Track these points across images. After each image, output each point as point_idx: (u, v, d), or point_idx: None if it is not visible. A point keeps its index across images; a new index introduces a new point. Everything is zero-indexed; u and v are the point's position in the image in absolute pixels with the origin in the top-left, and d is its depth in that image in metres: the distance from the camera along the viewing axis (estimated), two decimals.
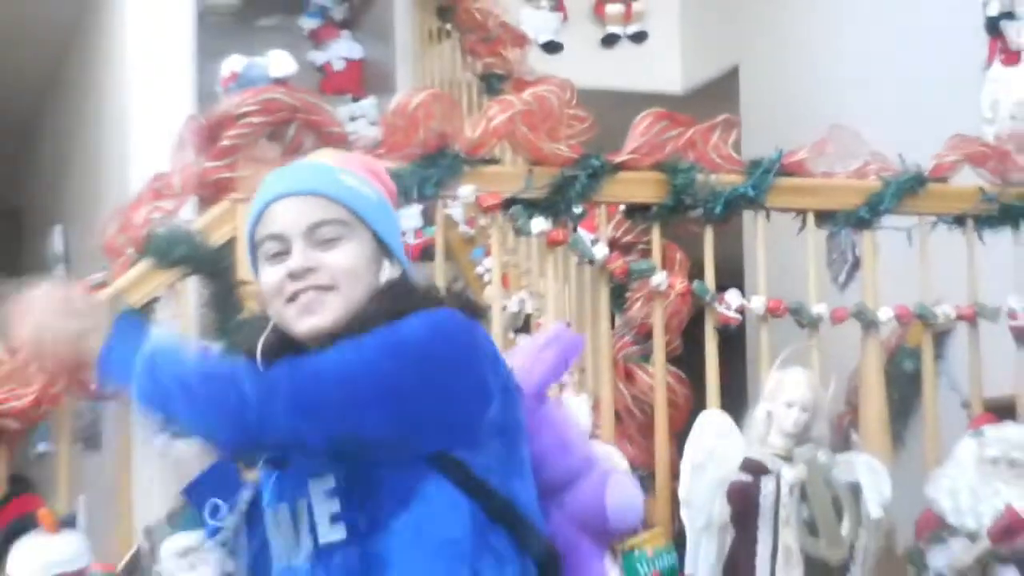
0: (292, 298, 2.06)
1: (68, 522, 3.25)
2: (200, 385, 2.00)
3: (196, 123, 3.50)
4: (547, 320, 3.93)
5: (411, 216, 5.46)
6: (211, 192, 3.53)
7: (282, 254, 2.06)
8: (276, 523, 2.16)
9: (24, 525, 3.23)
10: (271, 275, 2.07)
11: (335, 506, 2.08)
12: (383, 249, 2.13)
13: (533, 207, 3.56)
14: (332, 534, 2.07)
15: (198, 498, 2.34)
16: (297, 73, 3.83)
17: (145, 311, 3.42)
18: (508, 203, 3.57)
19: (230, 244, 3.43)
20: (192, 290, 3.51)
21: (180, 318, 3.49)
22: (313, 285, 2.05)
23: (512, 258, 5.07)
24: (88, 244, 5.80)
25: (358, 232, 2.11)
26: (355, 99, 6.25)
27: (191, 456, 2.30)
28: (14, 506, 3.32)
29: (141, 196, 3.68)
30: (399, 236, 2.19)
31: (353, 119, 5.80)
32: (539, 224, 3.55)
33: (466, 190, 3.51)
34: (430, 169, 3.46)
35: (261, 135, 3.44)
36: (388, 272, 2.12)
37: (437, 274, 3.76)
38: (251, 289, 2.32)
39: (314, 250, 2.06)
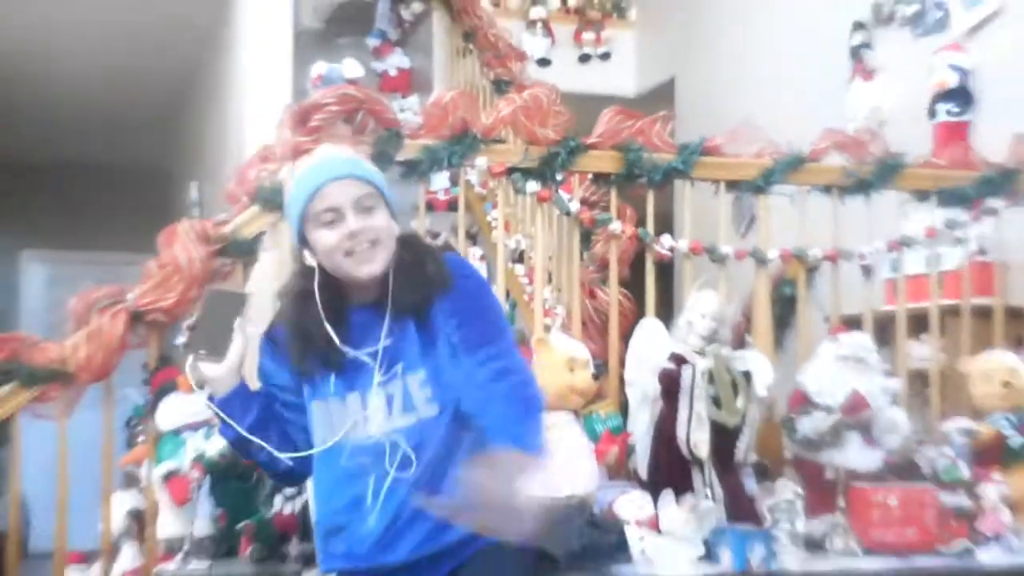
0: (349, 252, 2.11)
1: (199, 386, 3.26)
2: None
3: (292, 109, 3.48)
4: (536, 254, 3.91)
5: (442, 179, 5.45)
6: (301, 158, 3.51)
7: (336, 221, 2.11)
8: (339, 410, 2.16)
9: (168, 387, 3.26)
10: (330, 236, 2.12)
11: (429, 391, 2.14)
12: (392, 214, 2.20)
13: (528, 174, 3.55)
14: (430, 410, 2.13)
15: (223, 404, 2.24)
16: (364, 76, 3.82)
17: (253, 243, 3.42)
18: (510, 171, 3.55)
19: None
20: (286, 228, 3.51)
21: (278, 247, 3.49)
22: (366, 240, 2.12)
23: (512, 210, 5.07)
24: (215, 195, 5.80)
25: (382, 202, 2.17)
26: (404, 97, 6.22)
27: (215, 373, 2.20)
28: (162, 375, 3.33)
29: (252, 160, 3.67)
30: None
31: (402, 111, 5.77)
32: (532, 186, 3.56)
33: (481, 161, 3.50)
34: (456, 145, 3.44)
35: (338, 119, 3.42)
36: (396, 228, 2.20)
37: (460, 221, 3.77)
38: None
39: (361, 216, 2.12)
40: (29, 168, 8.08)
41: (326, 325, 2.16)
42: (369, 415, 2.15)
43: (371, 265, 2.14)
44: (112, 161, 8.65)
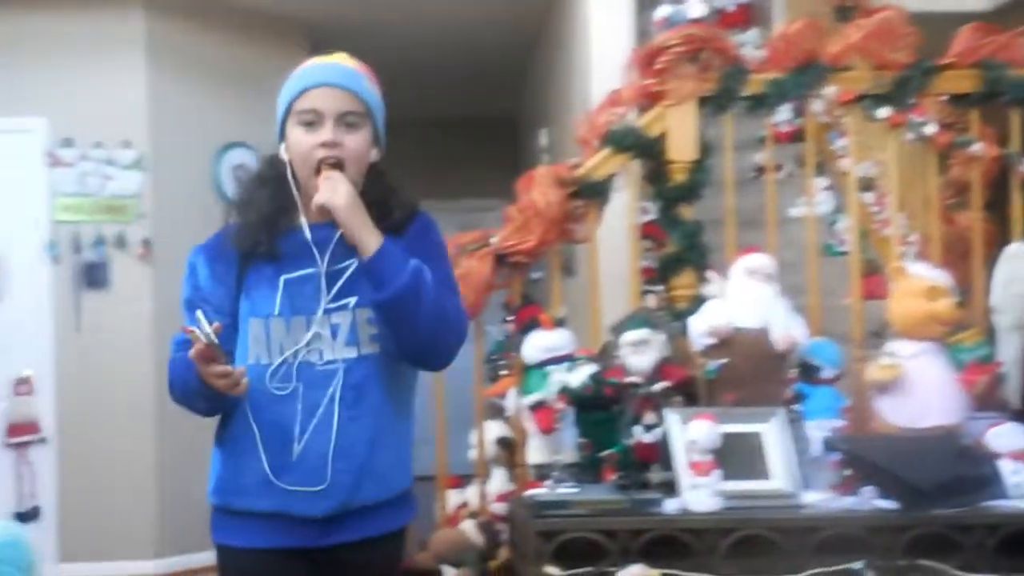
0: (317, 170, 1.98)
1: (559, 323, 3.34)
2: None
3: (637, 53, 3.46)
4: (889, 181, 3.70)
5: (784, 110, 5.27)
6: (648, 101, 3.50)
7: (315, 124, 1.99)
8: (280, 330, 2.00)
9: (531, 324, 3.35)
10: (305, 139, 2.00)
11: (374, 329, 1.99)
12: (376, 139, 2.06)
13: (879, 99, 3.38)
14: (372, 347, 1.99)
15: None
16: (706, 15, 3.74)
17: (605, 184, 3.44)
18: (860, 98, 3.39)
19: (662, 137, 3.40)
20: (635, 168, 3.51)
21: (629, 187, 3.49)
22: (334, 157, 1.98)
23: (860, 138, 4.82)
24: (562, 141, 5.89)
25: (367, 124, 2.04)
26: (742, 31, 6.04)
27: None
28: (525, 312, 3.43)
29: (602, 105, 3.68)
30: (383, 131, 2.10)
31: (741, 46, 5.62)
32: (883, 112, 3.39)
33: (829, 90, 3.36)
34: (803, 76, 3.32)
35: (683, 60, 3.37)
36: (374, 155, 2.06)
37: (808, 152, 3.63)
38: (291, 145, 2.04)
39: (340, 130, 1.99)
40: (390, 123, 8.53)
41: (298, 200, 2.04)
42: (313, 341, 2.00)
43: (327, 196, 1.99)
44: (465, 114, 9.00)
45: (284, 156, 2.05)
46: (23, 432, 5.61)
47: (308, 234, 2.03)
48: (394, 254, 1.97)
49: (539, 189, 3.38)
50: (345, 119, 2.01)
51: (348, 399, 1.97)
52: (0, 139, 5.69)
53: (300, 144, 2.01)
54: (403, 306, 1.95)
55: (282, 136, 2.06)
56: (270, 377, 1.99)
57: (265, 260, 2.04)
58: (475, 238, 3.47)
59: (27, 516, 5.53)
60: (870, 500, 2.76)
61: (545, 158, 6.31)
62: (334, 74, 2.04)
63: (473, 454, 3.60)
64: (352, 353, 1.99)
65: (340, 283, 2.01)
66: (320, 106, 2.00)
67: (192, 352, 1.89)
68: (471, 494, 3.62)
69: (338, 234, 2.01)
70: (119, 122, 5.68)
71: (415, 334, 1.97)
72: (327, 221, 2.01)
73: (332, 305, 2.00)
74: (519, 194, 3.45)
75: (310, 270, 2.02)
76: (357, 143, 2.02)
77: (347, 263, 2.01)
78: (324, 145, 1.98)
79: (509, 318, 3.47)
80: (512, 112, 8.80)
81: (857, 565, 2.58)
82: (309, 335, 1.99)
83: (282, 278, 2.03)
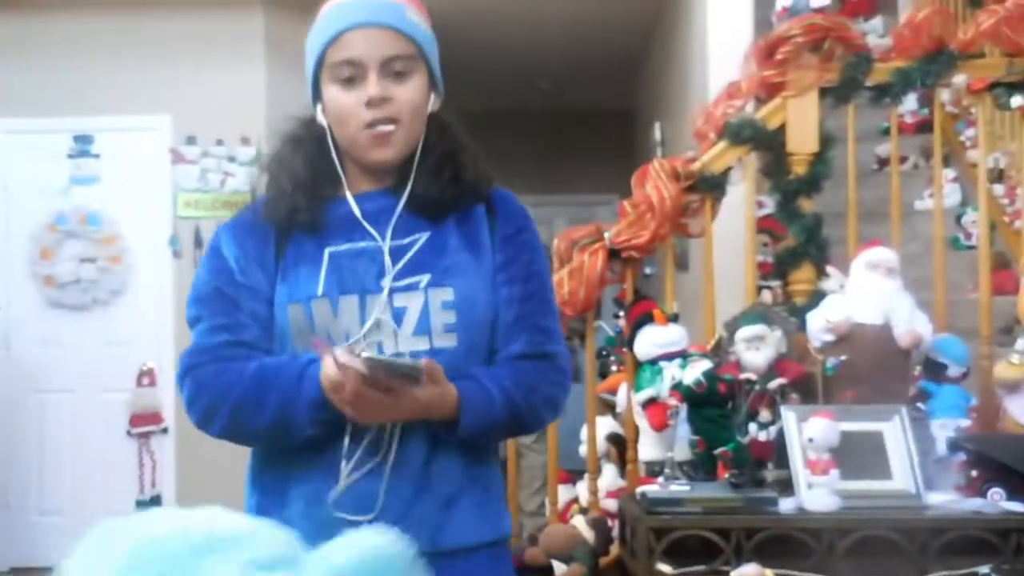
0: (371, 125, 1.62)
1: (672, 318, 3.31)
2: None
3: (757, 44, 3.41)
4: (1018, 172, 3.59)
5: (909, 100, 5.15)
6: (768, 92, 3.44)
7: (355, 80, 1.62)
8: (326, 315, 1.60)
9: (644, 319, 3.32)
10: (344, 99, 1.62)
11: (452, 317, 1.61)
12: (433, 82, 1.68)
13: (1013, 87, 3.27)
14: (447, 340, 1.60)
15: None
16: (830, 3, 3.65)
17: (722, 178, 3.40)
18: (992, 86, 3.29)
19: (782, 128, 3.34)
20: (753, 161, 3.46)
21: (746, 180, 3.45)
22: (386, 116, 1.61)
23: (989, 128, 4.68)
24: (676, 134, 5.85)
25: (420, 67, 1.65)
26: (865, 19, 5.92)
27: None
28: (637, 307, 3.40)
29: (719, 97, 3.64)
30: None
31: (864, 34, 5.51)
32: (1017, 100, 3.28)
33: (959, 79, 3.27)
34: (931, 64, 3.23)
35: (804, 49, 3.31)
36: (433, 103, 1.68)
37: (936, 143, 3.53)
38: (328, 109, 1.67)
39: (387, 81, 1.61)
40: (503, 116, 8.54)
41: (340, 170, 1.68)
42: (371, 327, 1.59)
43: (383, 150, 1.64)
44: (578, 106, 9.00)
45: (322, 119, 1.69)
46: (146, 422, 5.82)
47: (356, 208, 1.66)
48: (474, 399, 1.58)
49: (654, 183, 3.35)
50: (392, 66, 1.62)
51: None
52: (127, 137, 5.92)
53: (340, 105, 1.63)
54: (509, 433, 1.69)
55: (316, 94, 1.69)
56: None
57: (305, 233, 1.66)
58: (588, 232, 3.46)
59: (149, 504, 5.74)
60: (997, 502, 2.67)
61: (659, 152, 6.27)
62: (370, 10, 1.63)
63: (584, 449, 3.60)
64: (423, 345, 1.60)
65: (406, 258, 1.63)
66: (358, 54, 1.61)
67: (344, 384, 1.47)
68: (581, 490, 3.62)
69: (400, 204, 1.66)
70: (238, 119, 5.85)
71: (521, 434, 1.78)
72: (380, 188, 1.69)
73: (396, 284, 1.61)
74: (634, 188, 3.43)
75: (363, 244, 1.64)
76: (410, 94, 1.64)
77: (414, 237, 1.65)
78: (371, 104, 1.61)
79: (621, 313, 3.46)
80: (628, 106, 8.76)
81: (984, 569, 2.50)
82: (370, 321, 1.59)
83: (327, 251, 1.64)
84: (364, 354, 1.46)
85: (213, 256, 1.68)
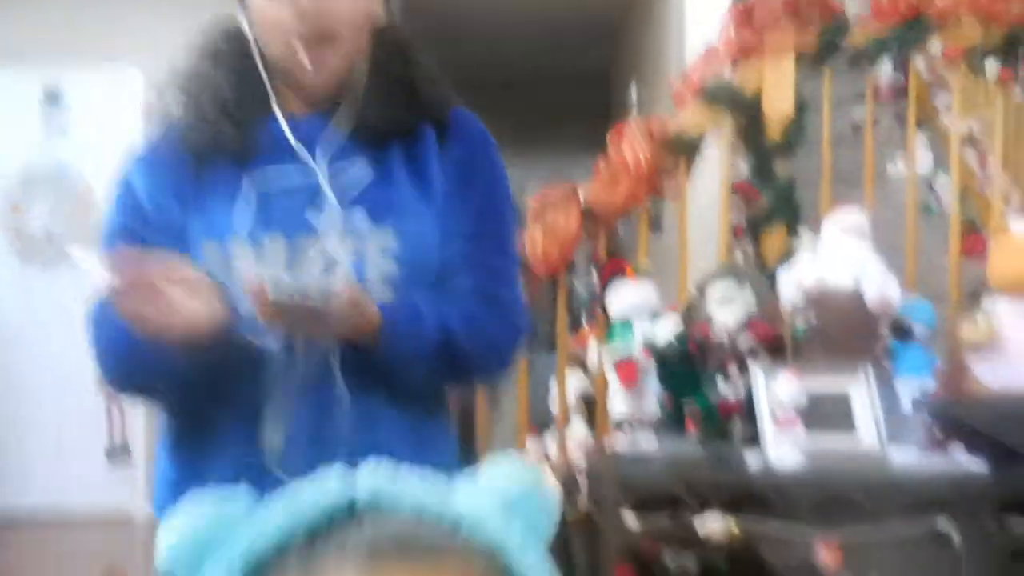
0: (302, 38, 1.38)
1: (643, 274, 3.34)
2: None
3: (736, 8, 3.43)
4: (993, 139, 3.63)
5: (884, 66, 5.18)
6: (745, 56, 3.46)
7: None
8: (246, 257, 1.40)
9: (616, 278, 3.36)
10: (272, 6, 1.37)
11: (391, 264, 1.40)
12: None
13: (988, 55, 3.30)
14: (382, 291, 1.40)
15: None
16: None
17: (698, 141, 3.42)
18: (967, 53, 3.32)
19: (758, 92, 3.36)
20: (729, 126, 3.48)
21: (721, 147, 3.47)
22: (319, 29, 1.37)
23: (965, 95, 4.73)
24: (655, 96, 5.87)
25: None
26: None
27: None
28: (611, 265, 3.44)
29: (697, 60, 3.66)
30: None
31: None
32: (992, 67, 3.31)
33: (935, 45, 3.31)
34: (908, 32, 3.27)
35: (782, 14, 3.33)
36: (379, 15, 1.46)
37: (911, 109, 3.57)
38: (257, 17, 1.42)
39: None
40: (478, 75, 8.52)
41: (268, 86, 1.44)
42: (295, 272, 1.38)
43: (316, 69, 1.40)
44: (556, 68, 9.00)
45: (247, 30, 1.45)
46: None
47: (287, 129, 1.44)
48: (399, 313, 1.38)
49: (629, 143, 3.38)
50: None
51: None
52: (98, 90, 5.86)
53: (266, 15, 1.39)
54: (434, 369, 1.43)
55: (240, 4, 1.46)
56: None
57: (228, 160, 1.42)
58: (562, 192, 3.48)
59: (118, 453, 5.82)
60: (960, 460, 2.73)
61: (635, 112, 6.29)
62: None
63: (554, 403, 3.63)
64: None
65: (343, 194, 1.41)
66: None
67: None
68: (549, 442, 3.65)
69: (336, 130, 1.43)
70: None
71: (463, 380, 1.55)
72: (315, 112, 1.45)
73: (330, 223, 1.41)
74: (610, 148, 3.45)
75: (294, 174, 1.41)
76: (345, 7, 1.38)
77: (353, 168, 1.42)
78: (301, 16, 1.35)
79: (594, 271, 3.48)
80: (604, 67, 8.76)
81: (944, 525, 2.56)
82: (294, 264, 1.38)
83: (248, 180, 1.41)
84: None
85: (124, 192, 1.49)
